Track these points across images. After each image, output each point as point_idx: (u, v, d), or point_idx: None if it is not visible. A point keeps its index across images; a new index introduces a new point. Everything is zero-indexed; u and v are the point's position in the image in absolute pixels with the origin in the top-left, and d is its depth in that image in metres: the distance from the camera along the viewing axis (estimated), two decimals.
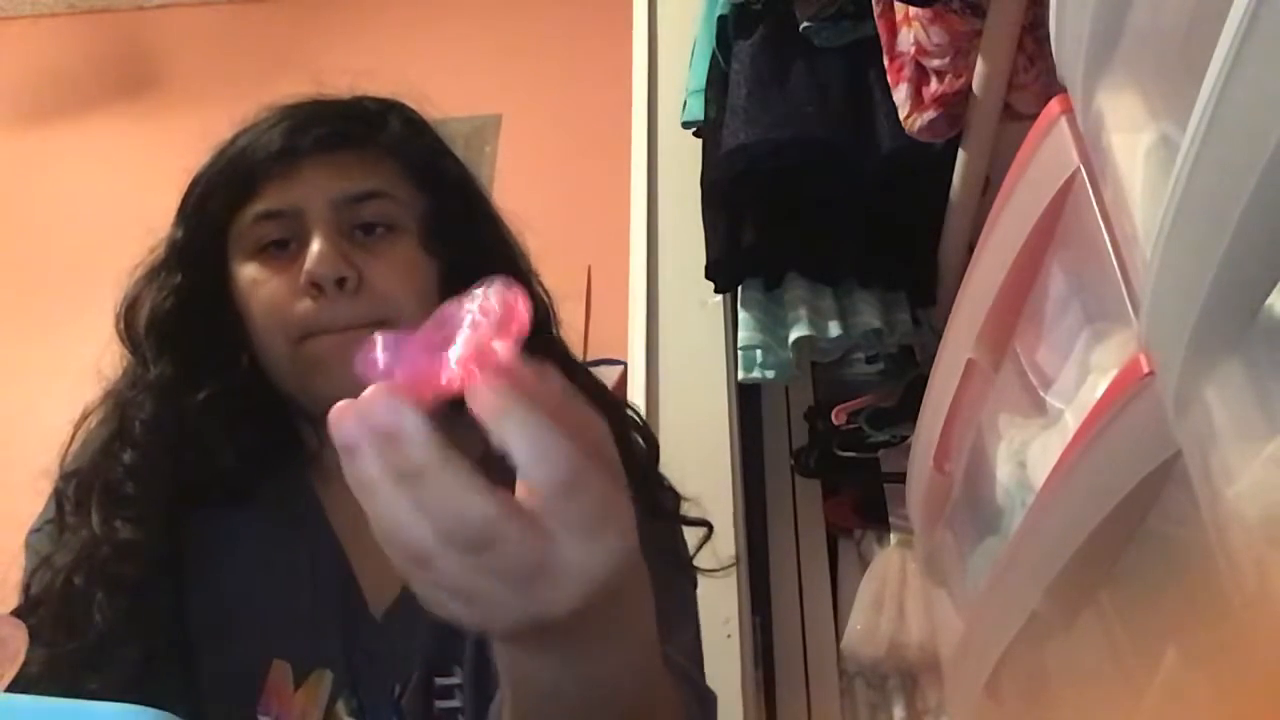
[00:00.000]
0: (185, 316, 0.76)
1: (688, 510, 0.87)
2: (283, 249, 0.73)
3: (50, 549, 0.70)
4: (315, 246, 0.71)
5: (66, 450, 0.76)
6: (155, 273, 0.78)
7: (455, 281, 0.77)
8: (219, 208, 0.75)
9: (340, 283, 0.71)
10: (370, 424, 0.36)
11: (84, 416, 0.77)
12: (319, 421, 0.65)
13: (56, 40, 2.88)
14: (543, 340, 0.83)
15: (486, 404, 0.37)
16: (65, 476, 0.74)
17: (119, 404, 0.76)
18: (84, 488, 0.72)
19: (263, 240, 0.74)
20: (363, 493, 0.37)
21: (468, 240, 0.79)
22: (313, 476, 0.77)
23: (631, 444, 0.83)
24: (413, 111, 0.82)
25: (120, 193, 2.28)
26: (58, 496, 0.73)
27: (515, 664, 0.45)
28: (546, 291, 0.86)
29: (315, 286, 0.71)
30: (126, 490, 0.71)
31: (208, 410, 0.74)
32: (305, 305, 0.71)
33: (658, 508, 0.82)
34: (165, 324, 0.76)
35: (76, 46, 2.85)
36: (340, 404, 0.37)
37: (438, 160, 0.81)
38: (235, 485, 0.74)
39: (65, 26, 2.92)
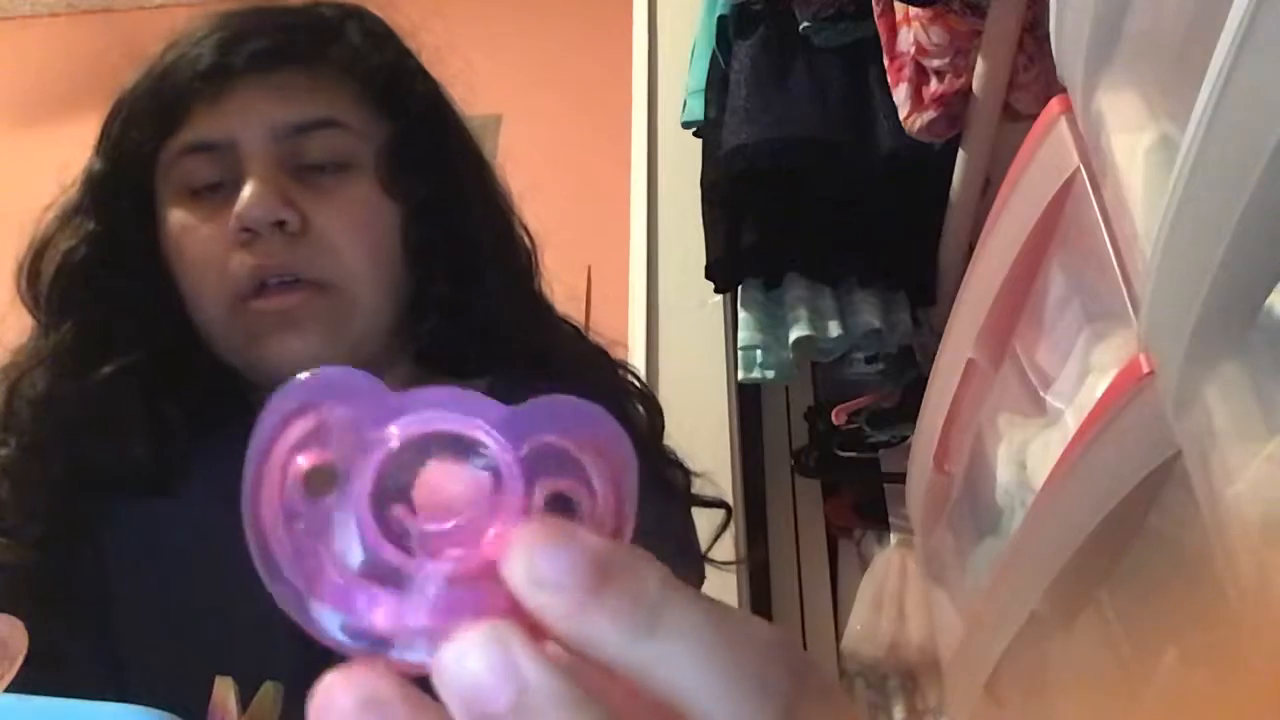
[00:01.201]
0: (99, 271, 0.63)
1: (700, 489, 0.76)
2: (216, 190, 0.61)
3: None
4: (248, 185, 0.59)
5: None
6: (68, 216, 0.66)
7: (420, 229, 0.65)
8: (142, 139, 0.63)
9: (279, 226, 0.59)
10: None
11: None
12: (266, 394, 0.55)
13: (57, 40, 2.87)
14: (524, 294, 0.74)
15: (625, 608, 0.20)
16: None
17: (9, 382, 0.62)
18: None
19: (192, 179, 0.62)
20: None
21: (438, 179, 0.66)
22: None
23: (630, 414, 0.73)
24: (377, 20, 0.69)
25: None
26: None
27: None
28: (531, 237, 0.75)
29: (247, 231, 0.59)
30: (1, 494, 0.58)
31: (119, 384, 0.61)
32: (240, 257, 0.59)
33: (665, 485, 0.73)
34: (72, 280, 0.63)
35: (77, 46, 2.85)
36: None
37: (404, 79, 0.68)
38: (161, 471, 0.61)
39: (65, 26, 2.91)
